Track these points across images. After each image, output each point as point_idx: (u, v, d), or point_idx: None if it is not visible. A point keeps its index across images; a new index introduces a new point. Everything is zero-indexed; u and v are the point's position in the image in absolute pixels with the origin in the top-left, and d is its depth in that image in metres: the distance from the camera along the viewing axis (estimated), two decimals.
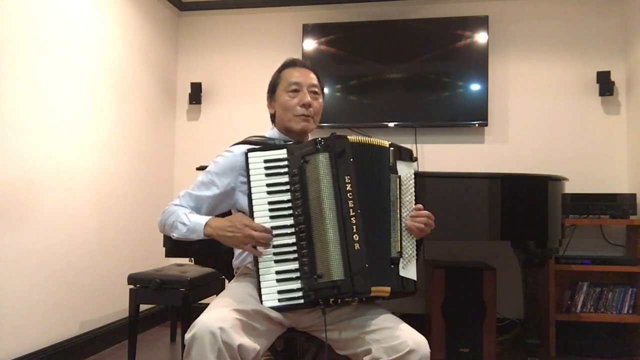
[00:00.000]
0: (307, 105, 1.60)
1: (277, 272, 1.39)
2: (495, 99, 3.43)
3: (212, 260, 2.16)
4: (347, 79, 3.54)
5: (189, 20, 3.87)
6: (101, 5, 2.96)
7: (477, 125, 3.38)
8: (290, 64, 1.68)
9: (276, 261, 1.39)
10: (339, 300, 1.38)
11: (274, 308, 1.38)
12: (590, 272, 3.01)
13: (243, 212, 1.54)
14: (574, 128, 3.35)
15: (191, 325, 1.27)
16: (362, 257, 1.36)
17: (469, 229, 2.30)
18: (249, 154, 1.46)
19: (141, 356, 2.75)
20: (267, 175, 1.44)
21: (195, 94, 3.75)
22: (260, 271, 1.39)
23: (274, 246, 1.40)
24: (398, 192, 1.48)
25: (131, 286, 2.56)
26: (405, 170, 1.52)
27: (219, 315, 1.28)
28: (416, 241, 1.51)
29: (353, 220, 1.38)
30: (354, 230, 1.37)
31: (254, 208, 1.43)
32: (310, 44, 3.58)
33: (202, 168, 2.21)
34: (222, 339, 1.22)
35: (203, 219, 1.50)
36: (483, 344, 2.69)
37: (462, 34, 3.41)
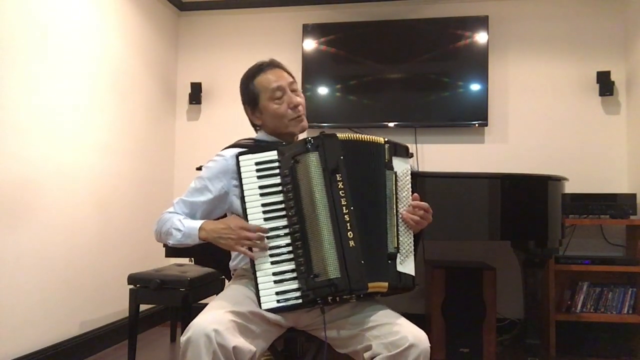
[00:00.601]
0: (296, 106, 1.61)
1: (274, 274, 1.39)
2: (495, 99, 3.43)
3: (211, 260, 2.16)
4: (347, 79, 3.54)
5: (189, 20, 3.87)
6: (101, 5, 2.96)
7: (477, 125, 3.38)
8: (260, 69, 1.66)
9: (272, 262, 1.40)
10: (337, 298, 1.38)
11: (272, 309, 1.38)
12: (590, 272, 3.01)
13: (238, 215, 1.54)
14: (574, 128, 3.35)
15: (186, 328, 1.27)
16: (357, 254, 1.37)
17: (469, 229, 2.30)
18: (240, 157, 1.47)
19: (141, 356, 2.75)
20: (259, 177, 1.45)
21: (195, 94, 3.75)
22: (257, 273, 1.39)
23: (270, 247, 1.41)
24: (394, 188, 1.48)
25: (131, 286, 2.56)
26: (401, 167, 1.52)
27: (214, 317, 1.28)
28: (415, 237, 1.51)
29: (347, 217, 1.39)
30: (348, 228, 1.38)
31: (248, 211, 1.43)
32: (310, 44, 3.58)
33: (201, 168, 2.22)
34: (216, 341, 1.22)
35: (197, 223, 1.50)
36: (483, 344, 2.69)
37: (462, 34, 3.41)
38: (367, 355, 1.35)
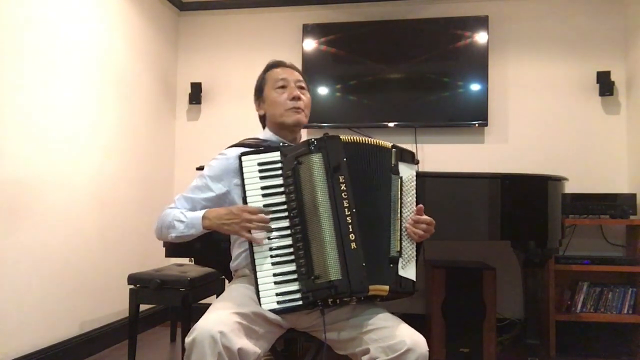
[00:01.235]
0: (296, 98, 1.62)
1: (275, 275, 1.39)
2: (495, 99, 3.43)
3: (212, 260, 2.16)
4: (347, 79, 3.54)
5: (189, 20, 3.87)
6: (101, 5, 2.96)
7: (477, 125, 3.38)
8: (273, 65, 1.71)
9: (273, 263, 1.40)
10: (338, 301, 1.38)
11: (272, 311, 1.38)
12: (590, 272, 3.01)
13: None
14: (574, 128, 3.35)
15: (191, 329, 1.27)
16: (359, 256, 1.37)
17: (469, 229, 2.30)
18: (243, 158, 1.47)
19: (141, 356, 2.75)
20: (262, 178, 1.45)
21: (195, 94, 3.75)
22: (258, 274, 1.39)
23: (271, 248, 1.41)
24: (399, 193, 1.48)
25: (131, 286, 2.56)
26: (407, 172, 1.52)
27: (219, 318, 1.28)
28: (417, 243, 1.51)
29: (349, 219, 1.38)
30: (350, 230, 1.38)
31: None
32: (310, 44, 3.58)
33: (201, 168, 2.21)
34: (222, 343, 1.22)
35: (200, 213, 1.52)
36: (483, 344, 2.69)
37: (462, 34, 3.41)
38: (365, 358, 1.35)
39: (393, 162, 1.51)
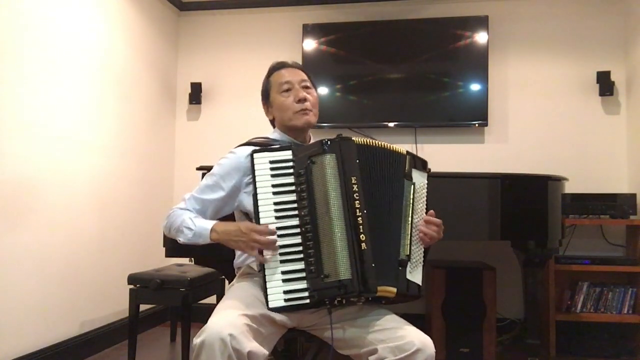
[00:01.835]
0: (302, 100, 1.61)
1: (283, 272, 1.39)
2: (495, 99, 3.43)
3: (212, 260, 2.16)
4: (347, 79, 3.54)
5: (189, 20, 3.87)
6: (101, 5, 2.96)
7: (477, 125, 3.38)
8: (277, 67, 1.70)
9: (282, 261, 1.40)
10: (344, 300, 1.38)
11: (279, 308, 1.37)
12: (590, 272, 3.01)
13: (247, 213, 1.56)
14: (574, 128, 3.35)
15: (200, 330, 1.26)
16: (368, 257, 1.37)
17: (469, 229, 2.30)
18: (255, 155, 1.47)
19: (141, 356, 2.75)
20: (273, 176, 1.45)
21: (195, 94, 3.75)
22: (266, 272, 1.39)
23: (280, 246, 1.40)
24: (411, 198, 1.49)
25: (131, 286, 2.57)
26: (419, 179, 1.55)
27: (229, 320, 1.27)
28: (423, 248, 1.53)
29: (360, 220, 1.39)
30: (361, 230, 1.38)
31: (260, 209, 1.43)
32: (310, 44, 3.58)
33: (202, 168, 2.22)
34: (232, 346, 1.22)
35: (209, 224, 1.50)
36: (483, 344, 2.69)
37: (462, 34, 3.41)
38: (372, 358, 1.36)
39: (407, 168, 1.52)
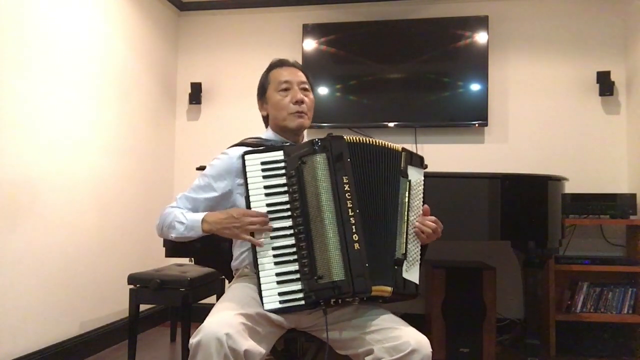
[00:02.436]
0: (299, 102, 1.61)
1: (277, 274, 1.39)
2: (495, 99, 3.43)
3: (212, 260, 2.16)
4: (347, 79, 3.54)
5: (189, 20, 3.87)
6: (101, 5, 2.96)
7: (477, 125, 3.38)
8: (277, 64, 1.69)
9: (276, 263, 1.40)
10: (340, 301, 1.38)
11: (275, 310, 1.38)
12: (590, 272, 3.01)
13: None
14: (574, 128, 3.35)
15: (196, 330, 1.26)
16: (362, 257, 1.36)
17: (469, 229, 2.30)
18: (246, 157, 1.47)
19: (141, 356, 2.75)
20: (265, 177, 1.45)
21: (195, 94, 3.75)
22: (261, 274, 1.39)
23: (274, 248, 1.41)
24: (407, 196, 1.48)
25: (131, 286, 2.56)
26: (415, 176, 1.53)
27: (225, 320, 1.28)
28: (421, 247, 1.51)
29: (352, 220, 1.38)
30: (354, 230, 1.37)
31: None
32: (310, 44, 3.58)
33: (201, 168, 2.21)
34: (228, 345, 1.22)
35: (200, 216, 1.52)
36: (483, 344, 2.69)
37: (462, 34, 3.41)
38: (368, 358, 1.35)
39: (402, 165, 1.51)
